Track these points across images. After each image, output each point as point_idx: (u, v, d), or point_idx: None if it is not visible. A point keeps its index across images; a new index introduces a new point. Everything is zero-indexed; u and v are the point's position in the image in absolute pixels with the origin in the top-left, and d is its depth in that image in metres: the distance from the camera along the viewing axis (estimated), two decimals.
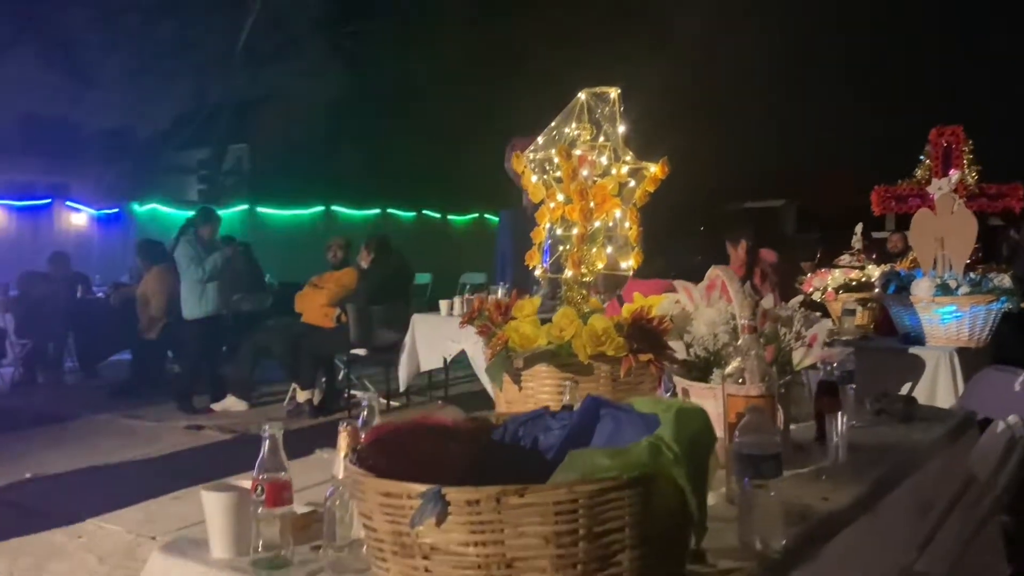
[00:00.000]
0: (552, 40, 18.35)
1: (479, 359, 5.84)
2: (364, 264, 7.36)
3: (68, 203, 12.14)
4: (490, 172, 13.42)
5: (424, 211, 15.83)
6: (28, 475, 5.39)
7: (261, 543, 1.51)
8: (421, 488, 1.13)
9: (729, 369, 1.87)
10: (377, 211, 14.91)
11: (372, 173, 18.47)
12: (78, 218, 11.95)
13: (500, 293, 6.19)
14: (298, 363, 7.12)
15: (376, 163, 19.16)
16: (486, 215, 16.12)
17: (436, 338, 6.55)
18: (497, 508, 1.11)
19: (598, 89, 2.33)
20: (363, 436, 1.49)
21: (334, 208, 14.46)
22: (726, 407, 1.84)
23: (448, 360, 6.75)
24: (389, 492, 1.17)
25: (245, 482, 1.59)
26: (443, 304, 6.86)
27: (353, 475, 1.24)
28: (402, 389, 7.03)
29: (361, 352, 7.11)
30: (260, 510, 1.51)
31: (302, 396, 7.07)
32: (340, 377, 7.48)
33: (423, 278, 10.36)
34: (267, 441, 1.53)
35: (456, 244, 15.18)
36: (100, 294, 9.66)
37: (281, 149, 20.63)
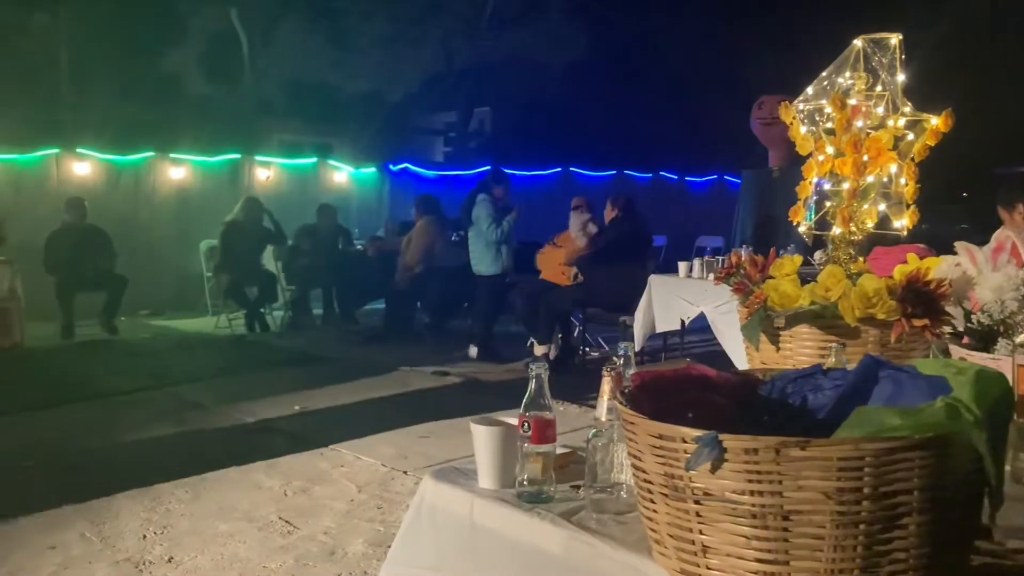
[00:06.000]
0: None
1: (719, 322, 5.72)
2: (607, 220, 7.40)
3: (330, 162, 13.07)
4: (732, 132, 13.01)
5: (661, 172, 15.64)
6: (296, 408, 5.96)
7: (525, 477, 1.58)
8: (697, 433, 1.12)
9: (1021, 339, 1.71)
10: (613, 172, 14.92)
11: (610, 134, 18.47)
12: (339, 176, 12.86)
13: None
14: (536, 319, 7.32)
15: (614, 124, 19.13)
16: (726, 176, 15.66)
17: (673, 300, 6.48)
18: (776, 459, 1.08)
19: (876, 36, 2.18)
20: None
21: (572, 169, 14.63)
22: (1015, 379, 1.69)
23: (686, 322, 6.66)
24: (662, 434, 1.18)
25: (511, 419, 1.67)
26: (681, 266, 6.76)
27: (625, 416, 1.26)
28: (637, 349, 7.02)
29: (597, 310, 7.19)
30: (526, 446, 1.57)
31: (539, 350, 7.28)
32: (575, 334, 7.62)
33: (658, 240, 10.26)
34: (534, 380, 1.59)
35: (693, 206, 14.88)
36: (359, 247, 10.42)
37: (522, 112, 21.13)
